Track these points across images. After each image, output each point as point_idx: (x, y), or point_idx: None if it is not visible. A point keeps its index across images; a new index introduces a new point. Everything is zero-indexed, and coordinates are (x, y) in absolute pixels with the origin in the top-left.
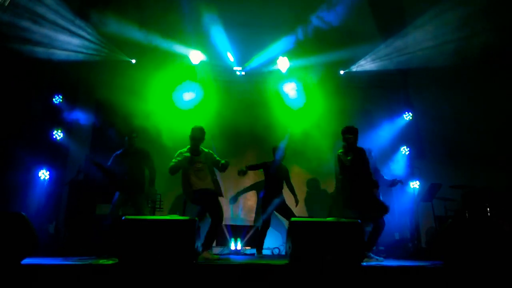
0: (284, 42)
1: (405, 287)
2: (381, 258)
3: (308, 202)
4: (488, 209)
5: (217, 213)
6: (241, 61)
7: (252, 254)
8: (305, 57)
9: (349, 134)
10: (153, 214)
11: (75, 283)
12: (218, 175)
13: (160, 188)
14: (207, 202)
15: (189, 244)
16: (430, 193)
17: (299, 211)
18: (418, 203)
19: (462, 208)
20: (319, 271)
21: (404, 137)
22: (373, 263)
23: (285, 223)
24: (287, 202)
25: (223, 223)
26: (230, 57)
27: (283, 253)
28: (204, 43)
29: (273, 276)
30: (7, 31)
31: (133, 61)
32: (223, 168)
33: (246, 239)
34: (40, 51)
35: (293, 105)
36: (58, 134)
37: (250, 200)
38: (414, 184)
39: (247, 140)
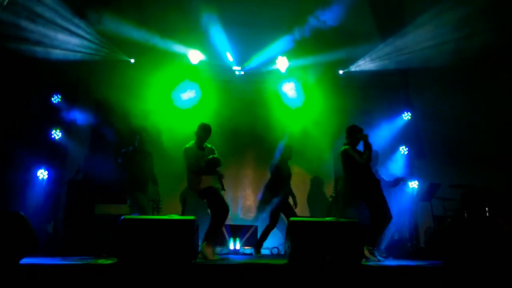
0: (283, 41)
1: (404, 286)
2: (382, 259)
3: (307, 202)
4: (487, 209)
5: (222, 212)
6: (240, 61)
7: (252, 254)
8: (304, 56)
9: (363, 133)
10: (158, 214)
11: (74, 283)
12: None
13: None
14: (213, 200)
15: (188, 244)
16: (429, 192)
17: (298, 211)
18: (417, 203)
19: (461, 208)
20: (318, 271)
21: (403, 136)
22: (372, 262)
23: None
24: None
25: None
26: (229, 57)
27: (282, 252)
28: (203, 43)
29: (272, 276)
30: (6, 31)
31: (132, 60)
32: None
33: (245, 238)
34: (39, 50)
35: (292, 105)
36: (57, 134)
37: (249, 199)
38: (413, 184)
39: (246, 140)
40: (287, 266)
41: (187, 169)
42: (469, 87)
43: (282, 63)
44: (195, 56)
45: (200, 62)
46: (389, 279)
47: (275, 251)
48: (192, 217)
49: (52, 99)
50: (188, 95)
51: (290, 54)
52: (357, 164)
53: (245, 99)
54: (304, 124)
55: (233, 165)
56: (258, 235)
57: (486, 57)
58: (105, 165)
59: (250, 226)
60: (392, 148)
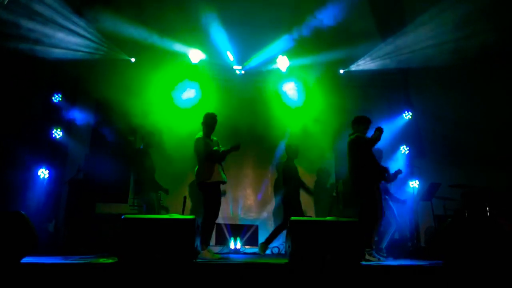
0: (284, 41)
1: (405, 286)
2: (382, 258)
3: (307, 201)
4: (487, 208)
5: (215, 209)
6: (240, 60)
7: (253, 253)
8: (305, 56)
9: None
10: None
11: (74, 282)
12: None
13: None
14: (212, 198)
15: (189, 243)
16: (429, 192)
17: None
18: (417, 202)
19: (462, 207)
20: (319, 270)
21: (403, 136)
22: (372, 262)
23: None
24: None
25: (223, 222)
26: (230, 56)
27: (283, 252)
28: (203, 42)
29: (272, 275)
30: (7, 30)
31: (133, 59)
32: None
33: (245, 238)
34: (39, 49)
35: (293, 104)
36: (57, 133)
37: (250, 199)
38: (414, 184)
39: (247, 139)
40: (288, 266)
41: (199, 159)
42: (470, 86)
43: (282, 63)
44: (195, 55)
45: (201, 61)
46: (390, 279)
47: (275, 250)
48: (192, 217)
49: (53, 98)
50: (188, 94)
51: (290, 53)
52: (368, 152)
53: (246, 98)
54: (305, 123)
55: (233, 165)
56: (259, 235)
57: (486, 56)
58: (106, 165)
59: (250, 226)
60: (393, 148)
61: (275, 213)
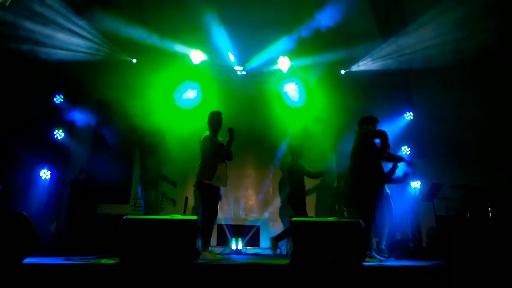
0: (285, 42)
1: (406, 287)
2: (384, 258)
3: (309, 201)
4: (489, 209)
5: (212, 209)
6: (242, 61)
7: (254, 254)
8: (306, 57)
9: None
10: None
11: (76, 282)
12: None
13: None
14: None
15: (190, 244)
16: (431, 193)
17: None
18: (419, 203)
19: (464, 208)
20: (320, 271)
21: (405, 136)
22: (374, 263)
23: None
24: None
25: (224, 223)
26: (231, 57)
27: (284, 252)
28: (205, 43)
29: (274, 276)
30: (9, 31)
31: (134, 60)
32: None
33: (247, 239)
34: (41, 50)
35: (294, 105)
36: (59, 134)
37: (251, 199)
38: (416, 184)
39: (248, 140)
40: (289, 266)
41: (203, 158)
42: (470, 86)
43: (284, 63)
44: (196, 56)
45: (202, 62)
46: (391, 280)
47: (277, 251)
48: (194, 217)
49: (54, 99)
50: (189, 95)
51: (291, 54)
52: (376, 150)
53: (247, 99)
54: (306, 124)
55: (234, 165)
56: (260, 235)
57: (486, 56)
58: (107, 165)
59: (252, 226)
60: (394, 148)
61: (276, 213)
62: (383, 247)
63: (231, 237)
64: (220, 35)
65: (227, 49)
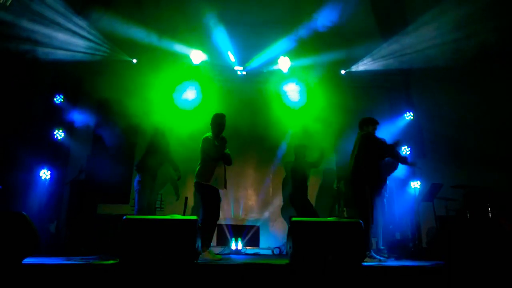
0: (285, 42)
1: (406, 287)
2: (383, 258)
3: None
4: (489, 209)
5: (213, 210)
6: (242, 61)
7: (254, 254)
8: (306, 57)
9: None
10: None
11: (76, 282)
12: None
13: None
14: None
15: (190, 244)
16: (431, 193)
17: None
18: (419, 203)
19: (464, 208)
20: (320, 271)
21: (405, 137)
22: (374, 263)
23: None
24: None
25: (224, 223)
26: (231, 57)
27: (284, 253)
28: (205, 43)
29: (273, 276)
30: (9, 31)
31: (134, 60)
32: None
33: (246, 239)
34: (41, 50)
35: (294, 105)
36: (59, 134)
37: (251, 199)
38: (415, 184)
39: (248, 140)
40: (289, 266)
41: (202, 158)
42: (471, 87)
43: (284, 63)
44: (197, 56)
45: (202, 62)
46: (391, 280)
47: (276, 251)
48: (194, 217)
49: (55, 99)
50: (189, 95)
51: (292, 54)
52: (377, 151)
53: (247, 99)
54: (306, 124)
55: (234, 165)
56: (260, 235)
57: (486, 56)
58: (107, 165)
59: (252, 226)
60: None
61: (276, 213)
62: (382, 246)
63: (231, 237)
64: (220, 35)
65: (227, 49)
